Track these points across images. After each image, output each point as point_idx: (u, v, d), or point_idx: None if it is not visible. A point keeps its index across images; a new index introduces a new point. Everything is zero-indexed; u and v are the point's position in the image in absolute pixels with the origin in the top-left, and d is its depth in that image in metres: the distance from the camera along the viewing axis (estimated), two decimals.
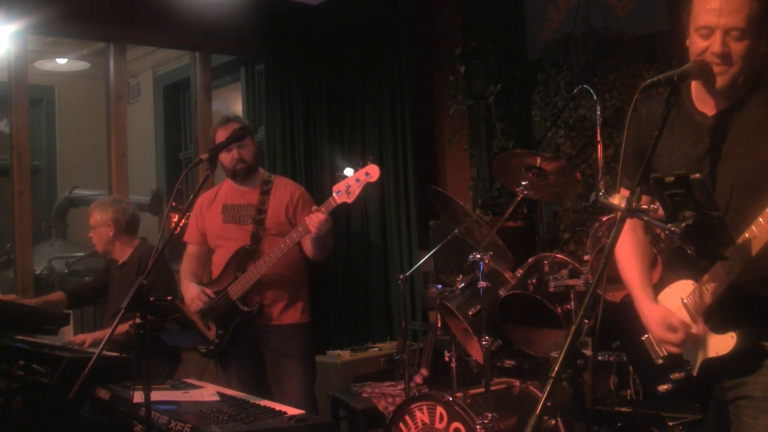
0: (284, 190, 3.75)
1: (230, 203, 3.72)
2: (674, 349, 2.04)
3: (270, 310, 3.61)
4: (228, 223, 3.69)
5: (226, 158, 3.63)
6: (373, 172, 3.36)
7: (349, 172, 3.42)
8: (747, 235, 1.83)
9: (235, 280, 3.56)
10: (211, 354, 3.66)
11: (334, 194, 3.39)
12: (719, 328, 1.95)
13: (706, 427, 2.12)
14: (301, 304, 3.71)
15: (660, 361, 2.09)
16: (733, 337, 1.92)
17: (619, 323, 2.28)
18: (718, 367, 1.97)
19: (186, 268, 3.78)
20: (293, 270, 3.70)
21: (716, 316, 1.95)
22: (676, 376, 2.05)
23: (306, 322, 3.73)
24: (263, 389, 3.60)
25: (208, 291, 3.58)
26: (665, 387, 2.08)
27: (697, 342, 2.01)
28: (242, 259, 3.59)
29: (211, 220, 3.75)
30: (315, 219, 3.35)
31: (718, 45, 1.90)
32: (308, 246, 3.61)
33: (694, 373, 2.01)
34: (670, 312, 2.05)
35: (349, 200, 3.39)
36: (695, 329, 2.01)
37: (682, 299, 2.02)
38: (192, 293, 3.60)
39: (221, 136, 3.55)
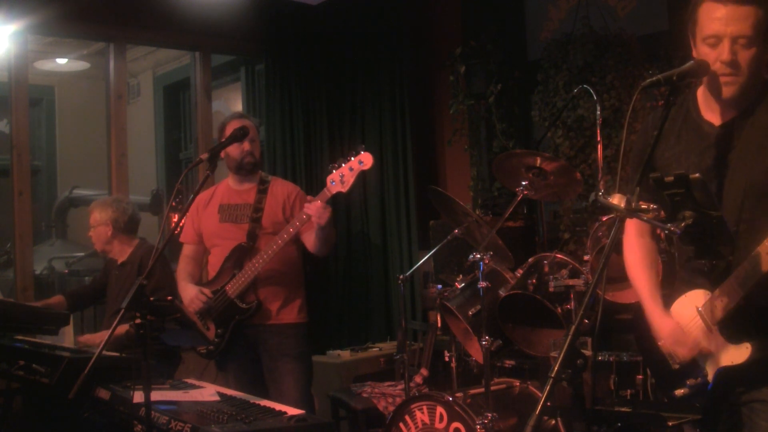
0: (281, 189, 3.75)
1: (227, 203, 3.72)
2: (680, 360, 2.08)
3: (268, 307, 3.60)
4: (224, 223, 3.69)
5: (235, 150, 3.63)
6: (366, 160, 3.36)
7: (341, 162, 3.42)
8: (759, 248, 1.82)
9: (233, 278, 3.55)
10: (211, 354, 3.65)
11: (328, 184, 3.40)
12: (734, 338, 1.95)
13: (719, 428, 2.12)
14: (299, 303, 3.71)
15: (676, 367, 2.10)
16: (748, 348, 1.92)
17: (636, 327, 2.28)
18: (733, 375, 1.97)
19: (183, 269, 3.77)
20: (289, 266, 3.69)
21: (731, 327, 1.95)
22: (692, 381, 2.05)
23: (303, 321, 3.72)
24: (260, 389, 3.59)
25: (206, 291, 3.57)
26: (681, 392, 2.08)
27: (711, 351, 2.01)
28: (239, 257, 3.59)
29: (208, 219, 3.74)
30: (313, 207, 3.35)
31: (726, 53, 1.91)
32: (310, 239, 3.59)
33: (709, 380, 2.02)
34: (680, 329, 2.07)
35: (344, 189, 3.39)
36: (706, 345, 2.01)
37: (698, 308, 2.02)
38: (190, 294, 3.59)
39: (235, 125, 3.55)
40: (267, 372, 3.65)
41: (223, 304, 3.57)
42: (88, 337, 3.94)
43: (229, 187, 3.78)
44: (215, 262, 3.69)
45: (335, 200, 3.41)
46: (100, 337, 3.91)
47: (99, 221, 4.06)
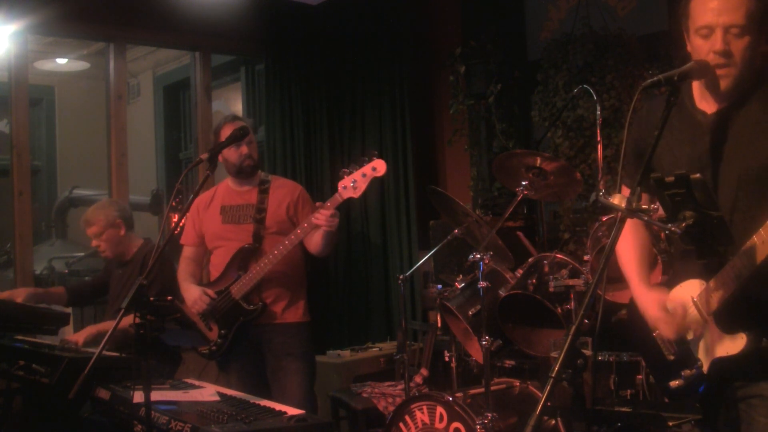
0: (284, 189, 3.74)
1: (228, 204, 3.71)
2: (669, 332, 2.05)
3: (272, 308, 3.59)
4: (227, 224, 3.68)
5: (233, 154, 3.62)
6: (379, 166, 3.32)
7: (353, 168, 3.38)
8: (754, 239, 1.82)
9: (238, 279, 3.55)
10: (214, 355, 3.65)
11: (340, 189, 3.36)
12: (729, 328, 1.95)
13: (717, 424, 2.13)
14: (302, 303, 3.70)
15: (671, 357, 2.10)
16: (743, 338, 1.92)
17: (631, 320, 2.28)
18: (729, 366, 1.97)
19: (185, 271, 3.76)
20: (294, 268, 3.68)
21: (726, 317, 1.95)
22: (687, 373, 2.05)
23: (307, 321, 3.72)
24: (263, 389, 3.59)
25: (210, 292, 3.56)
26: (677, 383, 2.08)
27: (707, 341, 2.01)
28: (244, 258, 3.58)
29: (210, 221, 3.73)
30: (322, 215, 3.33)
31: (719, 43, 1.92)
32: (315, 242, 3.57)
33: (705, 371, 2.02)
34: (665, 295, 2.07)
35: (356, 195, 3.36)
36: (692, 325, 2.01)
37: (693, 298, 2.02)
38: (194, 295, 3.58)
39: (229, 129, 3.56)
40: (270, 372, 3.64)
41: (227, 305, 3.56)
42: (74, 336, 3.91)
43: (229, 188, 3.77)
44: (218, 262, 3.68)
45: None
46: (87, 332, 3.84)
47: (107, 224, 3.96)
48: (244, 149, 3.62)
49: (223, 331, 3.59)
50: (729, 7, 1.90)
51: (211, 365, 3.95)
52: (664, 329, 2.07)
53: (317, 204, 3.43)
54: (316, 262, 3.85)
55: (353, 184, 3.34)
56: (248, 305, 3.54)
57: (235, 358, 3.65)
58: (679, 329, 2.04)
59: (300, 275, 3.75)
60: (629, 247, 2.24)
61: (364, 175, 3.33)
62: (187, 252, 3.83)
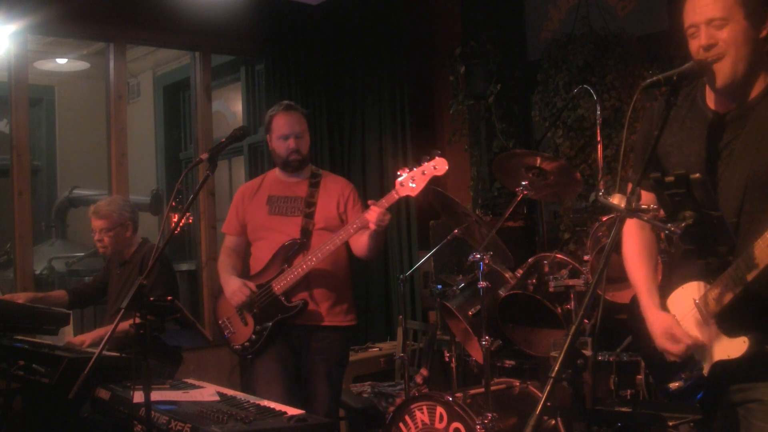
0: (335, 185, 3.59)
1: (276, 194, 3.56)
2: (675, 359, 2.05)
3: (314, 308, 3.42)
4: (274, 215, 3.52)
5: (281, 146, 3.49)
6: (440, 165, 3.18)
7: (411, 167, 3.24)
8: (759, 242, 1.81)
9: (281, 273, 3.39)
10: (247, 351, 3.49)
11: (397, 186, 3.23)
12: (731, 331, 1.94)
13: (714, 427, 2.12)
14: (346, 306, 3.52)
15: (671, 359, 2.10)
16: (745, 342, 1.91)
17: (633, 320, 2.27)
18: (729, 369, 1.96)
19: (225, 262, 3.60)
20: (339, 268, 3.51)
21: (729, 320, 1.94)
22: (687, 374, 2.05)
23: (350, 325, 3.54)
24: (294, 390, 3.44)
25: (250, 284, 3.41)
26: (676, 385, 2.08)
27: (708, 344, 2.00)
28: (289, 252, 3.42)
29: (255, 210, 3.57)
30: (374, 212, 3.18)
31: (703, 38, 1.94)
32: (361, 243, 3.39)
33: (705, 373, 2.01)
34: (674, 322, 2.04)
35: (413, 193, 3.22)
36: (700, 339, 1.99)
37: (695, 300, 2.02)
38: (233, 286, 3.43)
39: (281, 121, 3.47)
40: (304, 374, 3.46)
41: (266, 300, 3.40)
42: (80, 338, 3.90)
43: (278, 179, 3.61)
44: (260, 255, 3.52)
45: None
46: (93, 336, 3.85)
47: (118, 222, 3.92)
48: (292, 143, 3.47)
49: (258, 327, 3.43)
50: (705, 2, 1.94)
51: (243, 361, 3.80)
52: (669, 356, 2.06)
53: (369, 202, 3.27)
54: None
55: (412, 181, 3.19)
56: (288, 302, 3.39)
57: (269, 357, 3.47)
58: (684, 355, 2.03)
59: (346, 275, 3.57)
60: (636, 254, 2.21)
61: (424, 173, 3.19)
62: (229, 242, 3.67)
